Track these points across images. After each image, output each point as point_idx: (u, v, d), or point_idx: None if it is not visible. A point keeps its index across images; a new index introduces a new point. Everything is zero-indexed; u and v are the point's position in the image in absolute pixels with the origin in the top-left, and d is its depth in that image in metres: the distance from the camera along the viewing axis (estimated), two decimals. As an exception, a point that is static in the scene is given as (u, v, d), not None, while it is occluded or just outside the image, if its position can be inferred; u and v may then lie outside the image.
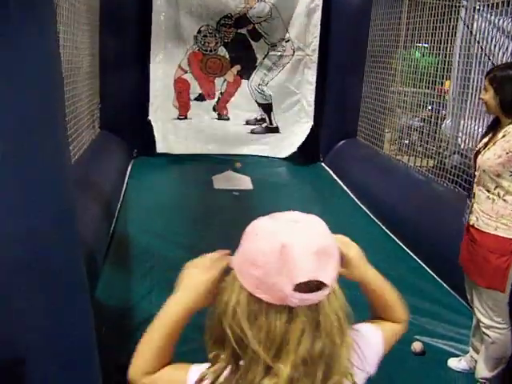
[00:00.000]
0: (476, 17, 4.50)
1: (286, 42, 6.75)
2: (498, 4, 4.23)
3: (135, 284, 3.47)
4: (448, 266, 3.45)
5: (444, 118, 5.29)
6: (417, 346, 2.87)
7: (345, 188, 5.96)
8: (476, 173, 2.48)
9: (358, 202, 5.46)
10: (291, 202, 5.24)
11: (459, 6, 4.66)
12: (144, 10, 6.25)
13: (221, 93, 6.93)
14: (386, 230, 4.66)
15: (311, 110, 6.85)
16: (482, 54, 4.39)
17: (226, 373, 0.91)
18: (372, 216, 5.05)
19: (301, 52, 6.75)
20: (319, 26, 6.58)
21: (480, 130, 4.32)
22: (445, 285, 3.63)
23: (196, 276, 1.01)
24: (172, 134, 6.72)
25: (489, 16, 4.37)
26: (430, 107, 5.53)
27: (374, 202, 5.18)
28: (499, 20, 4.20)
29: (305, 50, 6.74)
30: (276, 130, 7.06)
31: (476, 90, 4.32)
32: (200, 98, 6.88)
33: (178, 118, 6.81)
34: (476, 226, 2.43)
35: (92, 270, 2.98)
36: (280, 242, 0.86)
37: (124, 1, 6.16)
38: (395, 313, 1.13)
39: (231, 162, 6.44)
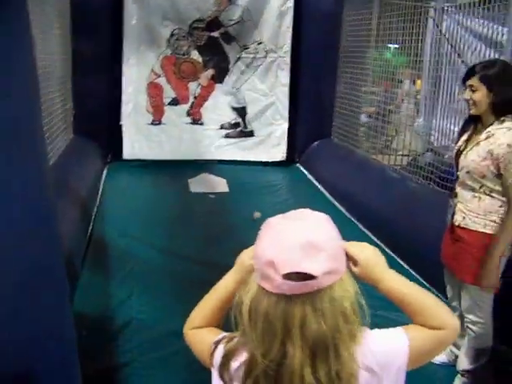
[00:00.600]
0: (445, 17, 4.59)
1: (259, 44, 6.77)
2: (465, 5, 4.33)
3: (114, 288, 3.45)
4: (425, 262, 3.52)
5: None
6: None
7: (321, 188, 6.01)
8: (458, 173, 2.46)
9: (335, 202, 5.50)
10: (267, 204, 5.27)
11: (428, 7, 4.76)
12: (116, 14, 6.21)
13: (194, 97, 6.91)
14: (363, 228, 4.71)
15: (286, 111, 6.90)
16: (451, 54, 4.48)
17: (237, 339, 1.03)
18: (348, 215, 5.09)
19: (273, 54, 6.78)
20: (291, 28, 6.64)
21: (451, 127, 4.41)
22: (422, 280, 3.68)
23: (245, 261, 1.12)
24: (145, 139, 6.67)
25: (457, 17, 4.46)
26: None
27: (349, 201, 5.23)
28: (467, 20, 4.30)
29: (277, 51, 6.77)
30: (251, 133, 7.04)
31: (447, 88, 4.41)
32: (174, 102, 6.85)
33: (152, 123, 6.75)
34: (463, 225, 2.41)
35: (71, 273, 2.95)
36: (272, 238, 0.98)
37: (95, 4, 6.10)
38: (432, 319, 1.04)
39: (206, 166, 6.44)
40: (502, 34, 3.78)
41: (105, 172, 6.11)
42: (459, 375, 2.61)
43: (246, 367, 1.00)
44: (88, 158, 5.72)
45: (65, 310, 1.70)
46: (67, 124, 5.75)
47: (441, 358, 2.80)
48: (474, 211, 2.38)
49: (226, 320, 1.15)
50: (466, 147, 2.43)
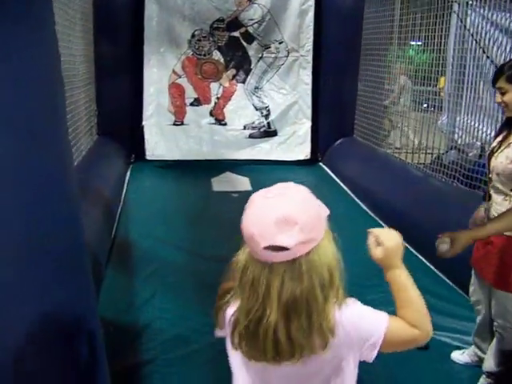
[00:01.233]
0: (469, 12, 4.52)
1: (280, 43, 6.78)
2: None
3: (138, 287, 3.48)
4: (448, 261, 3.47)
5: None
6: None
7: (343, 187, 5.98)
8: (490, 175, 2.36)
9: (358, 201, 5.47)
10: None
11: (452, 1, 4.69)
12: (137, 16, 6.28)
13: (217, 97, 6.93)
14: (386, 226, 4.66)
15: (309, 110, 6.89)
16: (476, 49, 4.41)
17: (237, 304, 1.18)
18: (372, 213, 5.06)
19: (295, 53, 6.79)
20: (312, 26, 6.62)
21: (476, 125, 4.35)
22: (445, 278, 3.64)
23: None
24: (168, 139, 6.72)
25: (482, 11, 4.39)
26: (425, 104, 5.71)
27: (372, 199, 5.19)
28: (493, 15, 4.22)
29: (299, 50, 6.78)
30: (274, 133, 7.03)
31: (472, 85, 4.34)
32: (196, 102, 6.89)
33: (175, 124, 6.81)
34: None
35: (96, 273, 2.99)
36: (253, 213, 1.11)
37: (117, 7, 6.18)
38: (413, 317, 1.19)
39: (229, 166, 6.45)
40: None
41: (128, 172, 6.17)
42: (484, 376, 2.57)
43: (233, 322, 1.17)
44: (112, 159, 5.79)
45: (91, 308, 1.73)
46: (91, 125, 5.83)
47: (464, 359, 2.78)
48: None
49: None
50: (498, 148, 2.32)
